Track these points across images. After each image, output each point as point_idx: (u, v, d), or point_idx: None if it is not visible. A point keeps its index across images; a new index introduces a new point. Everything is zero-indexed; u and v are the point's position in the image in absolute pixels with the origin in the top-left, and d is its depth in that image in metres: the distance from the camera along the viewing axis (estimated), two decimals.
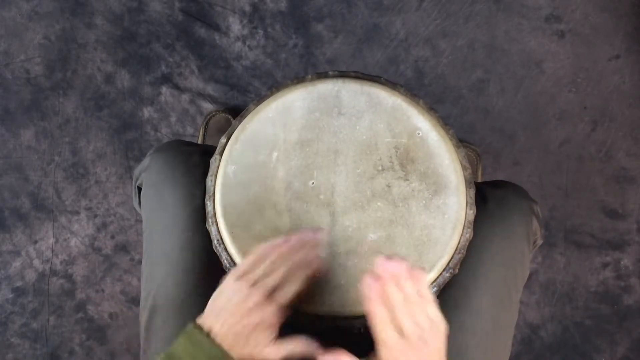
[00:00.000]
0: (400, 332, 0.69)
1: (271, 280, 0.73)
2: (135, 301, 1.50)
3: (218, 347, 0.71)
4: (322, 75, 0.91)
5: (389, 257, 0.73)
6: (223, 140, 0.89)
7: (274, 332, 0.73)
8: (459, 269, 0.85)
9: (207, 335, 0.71)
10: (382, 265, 0.73)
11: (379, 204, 0.85)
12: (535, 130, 1.47)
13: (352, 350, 0.89)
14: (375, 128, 0.88)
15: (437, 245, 0.84)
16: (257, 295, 0.72)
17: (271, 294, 0.73)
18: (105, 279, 1.51)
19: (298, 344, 0.74)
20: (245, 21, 1.48)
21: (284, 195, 0.86)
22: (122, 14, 1.49)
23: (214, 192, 0.87)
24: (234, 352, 0.71)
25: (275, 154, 0.87)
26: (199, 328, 0.72)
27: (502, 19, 1.46)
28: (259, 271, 0.74)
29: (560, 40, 1.46)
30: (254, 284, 0.73)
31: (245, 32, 1.48)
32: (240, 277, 0.74)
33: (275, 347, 0.73)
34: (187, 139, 1.43)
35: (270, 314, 0.72)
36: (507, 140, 1.47)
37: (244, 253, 0.84)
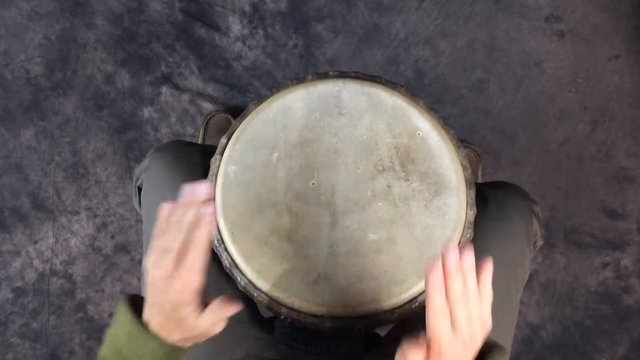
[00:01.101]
0: (454, 325, 0.65)
1: (165, 262, 0.66)
2: None
3: (161, 342, 0.68)
4: (322, 76, 0.91)
5: (462, 246, 0.69)
6: (223, 140, 0.89)
7: (196, 305, 0.68)
8: None
9: (146, 330, 0.68)
10: (452, 254, 0.66)
11: (379, 204, 0.85)
12: (535, 130, 1.47)
13: (352, 351, 0.90)
14: (376, 128, 0.88)
15: (438, 245, 0.84)
16: (161, 277, 0.66)
17: (178, 263, 0.66)
18: (105, 279, 1.51)
19: (221, 304, 0.70)
20: (245, 21, 1.48)
21: (285, 196, 0.86)
22: (122, 14, 1.49)
23: (214, 192, 0.87)
24: (174, 337, 0.69)
25: (275, 154, 0.87)
26: (138, 322, 0.69)
27: (502, 19, 1.46)
28: (158, 245, 0.68)
29: (560, 40, 1.46)
30: (155, 266, 0.67)
31: (245, 32, 1.48)
32: (147, 265, 0.68)
33: (204, 317, 0.69)
34: (187, 139, 1.43)
35: (180, 288, 0.66)
36: (507, 140, 1.47)
37: (244, 253, 0.84)
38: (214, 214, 0.68)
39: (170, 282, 0.66)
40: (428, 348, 0.66)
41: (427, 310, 0.66)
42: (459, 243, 0.84)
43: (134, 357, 0.68)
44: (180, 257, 0.66)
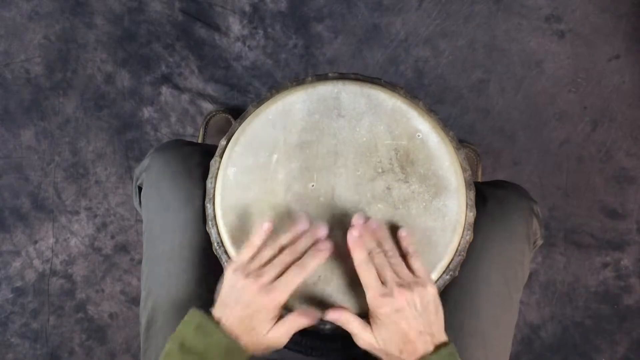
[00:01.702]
0: (380, 276, 0.76)
1: (266, 273, 0.76)
2: (135, 301, 1.50)
3: (228, 337, 0.74)
4: (322, 77, 0.91)
5: (365, 216, 0.81)
6: (223, 142, 0.89)
7: (275, 316, 0.76)
8: (459, 271, 0.85)
9: (217, 324, 0.75)
10: (357, 219, 0.80)
11: (379, 206, 0.85)
12: (535, 130, 1.47)
13: (352, 352, 0.90)
14: (375, 130, 0.87)
15: (437, 247, 0.84)
16: (253, 286, 0.74)
17: (270, 283, 0.75)
18: (105, 279, 1.51)
19: (297, 319, 0.77)
20: (245, 21, 1.48)
21: (284, 198, 0.86)
22: (122, 14, 1.49)
23: (214, 195, 0.87)
24: (241, 340, 0.74)
25: (275, 156, 0.87)
26: (209, 318, 0.75)
27: (502, 19, 1.46)
28: (255, 263, 0.77)
29: (560, 40, 1.46)
30: (249, 275, 0.76)
31: (245, 32, 1.48)
32: (236, 269, 0.77)
33: (277, 327, 0.76)
34: (187, 139, 1.43)
35: (268, 303, 0.74)
36: (507, 140, 1.47)
37: None
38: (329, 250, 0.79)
39: (264, 292, 0.74)
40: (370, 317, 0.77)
41: (355, 267, 0.77)
42: (459, 245, 0.84)
43: (199, 346, 0.74)
44: (269, 281, 0.75)
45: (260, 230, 0.79)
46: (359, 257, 0.77)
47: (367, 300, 0.76)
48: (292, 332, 0.78)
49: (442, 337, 0.76)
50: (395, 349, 0.74)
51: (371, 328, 0.76)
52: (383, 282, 0.75)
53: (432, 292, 0.76)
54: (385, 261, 0.77)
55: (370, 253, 0.77)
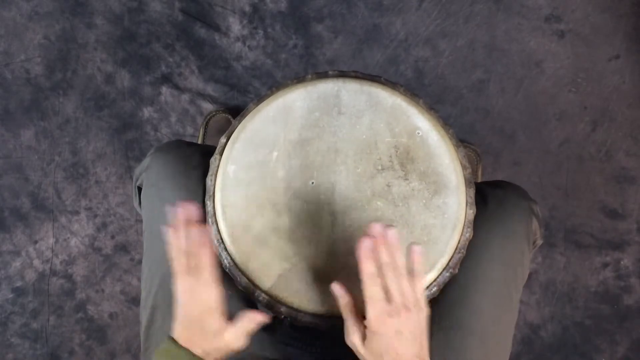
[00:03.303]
0: (386, 292, 0.74)
1: (176, 260, 0.77)
2: (135, 301, 1.50)
3: (188, 351, 0.75)
4: (322, 75, 0.91)
5: (387, 225, 0.77)
6: (223, 139, 0.89)
7: (220, 312, 0.77)
8: (458, 269, 0.85)
9: (178, 345, 0.75)
10: (376, 228, 0.76)
11: (379, 203, 0.85)
12: (535, 130, 1.47)
13: (352, 350, 0.90)
14: (375, 127, 0.88)
15: (437, 244, 0.84)
16: (181, 285, 0.76)
17: (196, 278, 0.76)
18: (105, 279, 1.51)
19: (249, 319, 0.78)
20: (245, 21, 1.48)
21: (284, 195, 0.86)
22: (122, 14, 1.49)
23: (213, 192, 0.87)
24: (200, 350, 0.75)
25: (275, 154, 0.87)
26: (173, 342, 0.76)
27: (502, 19, 1.46)
28: (177, 267, 0.78)
29: (560, 40, 1.46)
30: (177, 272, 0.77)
31: (245, 32, 1.48)
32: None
33: (231, 329, 0.77)
34: (187, 139, 1.43)
35: (204, 296, 0.76)
36: (507, 140, 1.47)
37: (244, 253, 0.84)
38: (210, 232, 0.79)
39: (193, 296, 0.75)
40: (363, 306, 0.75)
41: (362, 277, 0.75)
42: (459, 242, 0.84)
43: None
44: (197, 274, 0.76)
45: (167, 235, 0.80)
46: (369, 269, 0.75)
47: (367, 315, 0.74)
48: (248, 331, 0.78)
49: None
50: None
51: (363, 336, 0.76)
52: (388, 300, 0.74)
53: (425, 319, 0.76)
54: (395, 278, 0.75)
55: (381, 267, 0.75)
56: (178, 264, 0.77)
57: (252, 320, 0.78)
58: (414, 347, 0.74)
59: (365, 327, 0.75)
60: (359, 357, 0.77)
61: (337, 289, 0.78)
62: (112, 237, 1.51)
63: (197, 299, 0.75)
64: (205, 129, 1.44)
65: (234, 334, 0.77)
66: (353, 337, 0.76)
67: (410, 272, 0.76)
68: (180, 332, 0.76)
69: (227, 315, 0.77)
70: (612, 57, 1.46)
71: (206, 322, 0.76)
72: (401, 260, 0.76)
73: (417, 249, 0.77)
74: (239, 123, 0.89)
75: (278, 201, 0.85)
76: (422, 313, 0.75)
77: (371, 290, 0.75)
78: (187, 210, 0.78)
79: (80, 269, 1.51)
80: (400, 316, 0.73)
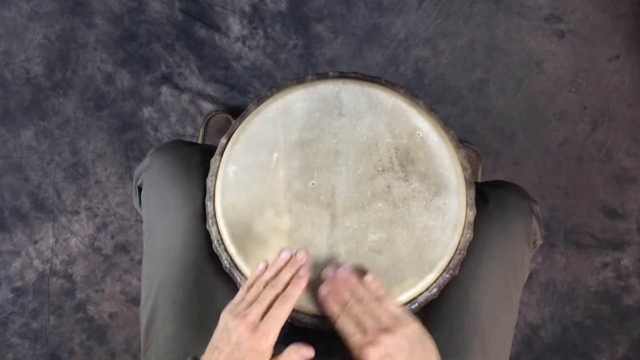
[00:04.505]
0: (360, 326, 0.74)
1: (253, 311, 0.74)
2: (135, 301, 1.50)
3: None
4: (322, 76, 0.91)
5: (336, 267, 0.81)
6: (223, 140, 0.89)
7: (266, 357, 0.73)
8: (459, 270, 0.85)
9: None
10: (328, 272, 0.80)
11: (379, 204, 0.85)
12: (535, 130, 1.47)
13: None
14: (376, 129, 0.88)
15: (438, 246, 0.84)
16: (241, 325, 0.73)
17: (258, 321, 0.73)
18: (105, 279, 1.51)
19: (295, 351, 0.75)
20: (245, 22, 1.48)
21: (284, 196, 0.86)
22: (122, 14, 1.49)
23: (214, 193, 0.87)
24: None
25: (275, 155, 0.87)
26: None
27: (502, 19, 1.46)
28: (243, 304, 0.75)
29: (560, 40, 1.46)
30: (238, 315, 0.74)
31: (245, 32, 1.48)
32: (229, 311, 0.75)
33: None
34: (187, 139, 1.43)
35: (256, 343, 0.72)
36: (507, 140, 1.47)
37: (244, 254, 0.84)
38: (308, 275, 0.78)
39: (251, 330, 0.72)
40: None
41: (333, 323, 0.76)
42: (459, 244, 0.84)
43: None
44: (267, 310, 0.74)
45: (255, 270, 0.79)
46: (333, 312, 0.76)
47: (352, 352, 0.74)
48: None
49: None
50: None
51: None
52: (363, 331, 0.73)
53: (415, 328, 0.74)
54: (361, 309, 0.75)
55: (345, 304, 0.76)
56: (253, 293, 0.76)
57: (297, 354, 0.75)
58: None
59: None
60: None
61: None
62: (112, 237, 1.51)
63: (257, 334, 0.72)
64: (205, 129, 1.44)
65: None
66: None
67: (377, 299, 0.76)
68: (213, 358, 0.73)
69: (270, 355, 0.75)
70: (612, 57, 1.46)
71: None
72: (363, 291, 0.77)
73: (369, 278, 0.79)
74: (239, 124, 0.89)
75: (278, 202, 0.85)
76: (407, 327, 0.74)
77: (344, 329, 0.75)
78: (297, 255, 0.80)
79: (80, 269, 1.51)
80: (381, 341, 0.72)
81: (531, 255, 0.96)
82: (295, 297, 0.76)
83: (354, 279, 0.79)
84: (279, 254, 0.79)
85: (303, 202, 0.85)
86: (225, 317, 0.74)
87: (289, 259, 0.79)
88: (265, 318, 0.73)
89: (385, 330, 0.73)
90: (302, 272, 0.77)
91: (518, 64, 1.46)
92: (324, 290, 0.78)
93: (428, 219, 0.84)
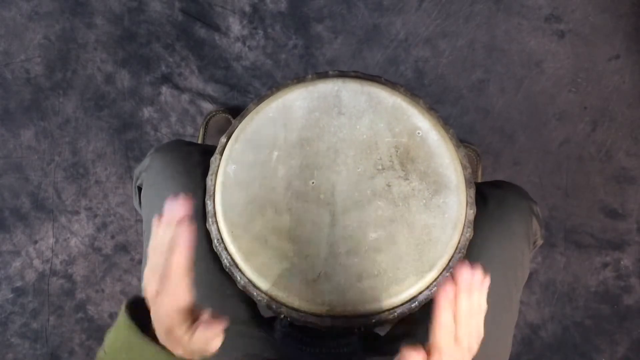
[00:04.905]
0: (457, 337, 0.67)
1: (154, 274, 0.66)
2: None
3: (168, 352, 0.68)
4: (322, 75, 0.91)
5: (471, 264, 0.69)
6: (223, 139, 0.89)
7: (188, 321, 0.67)
8: None
9: (145, 338, 0.68)
10: (462, 272, 0.68)
11: (379, 203, 0.85)
12: (535, 130, 1.47)
13: (352, 350, 0.90)
14: (376, 128, 0.88)
15: (438, 244, 0.84)
16: (149, 290, 0.66)
17: (162, 284, 0.66)
18: (105, 279, 1.51)
19: (208, 323, 0.68)
20: (245, 22, 1.48)
21: (284, 195, 0.86)
22: (122, 14, 1.49)
23: (214, 192, 0.87)
24: (174, 351, 0.68)
25: (275, 154, 0.87)
26: (137, 330, 0.68)
27: (502, 19, 1.46)
28: (148, 264, 0.68)
29: (560, 40, 1.46)
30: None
31: (245, 32, 1.48)
32: None
33: (196, 335, 0.67)
34: (187, 139, 1.43)
35: (168, 304, 0.65)
36: (507, 140, 1.47)
37: (244, 252, 0.84)
38: (190, 232, 0.65)
39: (159, 302, 0.65)
40: (428, 354, 0.66)
41: (434, 323, 0.66)
42: (459, 242, 0.84)
43: None
44: (164, 278, 0.65)
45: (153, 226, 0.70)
46: (445, 321, 0.67)
47: (429, 352, 0.67)
48: (216, 335, 0.69)
49: None
50: None
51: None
52: (455, 340, 0.67)
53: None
54: (467, 323, 0.67)
55: (457, 313, 0.67)
56: (151, 260, 0.67)
57: (212, 325, 0.68)
58: None
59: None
60: None
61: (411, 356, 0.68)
62: (112, 237, 1.51)
63: (164, 306, 0.65)
64: (205, 129, 1.44)
65: (203, 340, 0.68)
66: None
67: (480, 305, 0.69)
68: (156, 330, 0.67)
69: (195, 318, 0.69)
70: (612, 57, 1.46)
71: (176, 330, 0.67)
72: (477, 300, 0.68)
73: (487, 281, 0.70)
74: (239, 123, 0.89)
75: (278, 201, 0.85)
76: (479, 344, 0.69)
77: (443, 339, 0.66)
78: (172, 205, 0.67)
79: (80, 269, 1.51)
80: (462, 357, 0.67)
81: (531, 255, 0.96)
82: (181, 263, 0.65)
83: (478, 283, 0.69)
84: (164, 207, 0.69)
85: (303, 201, 0.85)
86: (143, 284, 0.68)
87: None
88: (163, 289, 0.65)
89: (471, 350, 0.68)
90: (179, 232, 0.65)
91: (518, 64, 1.46)
92: (449, 293, 0.66)
93: (428, 217, 0.84)
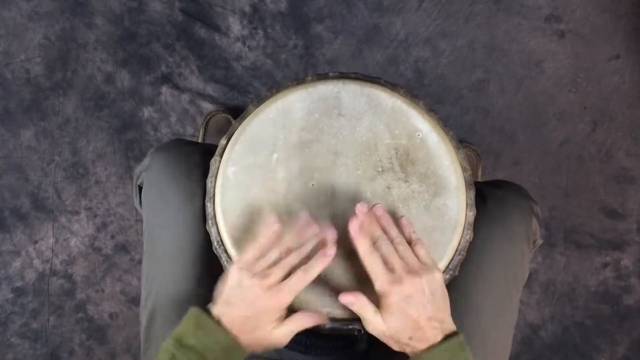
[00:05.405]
0: (388, 266, 0.75)
1: (273, 275, 0.75)
2: (135, 301, 1.50)
3: (227, 334, 0.74)
4: (322, 77, 0.91)
5: (369, 204, 0.80)
6: (223, 141, 0.89)
7: (279, 317, 0.76)
8: (459, 270, 0.85)
9: (217, 322, 0.74)
10: (362, 207, 0.78)
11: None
12: (535, 130, 1.47)
13: (351, 352, 0.90)
14: (375, 129, 0.88)
15: (438, 246, 0.84)
16: (259, 286, 0.74)
17: (276, 285, 0.75)
18: (105, 279, 1.51)
19: (303, 319, 0.77)
20: (245, 22, 1.48)
21: (284, 197, 0.86)
22: (122, 14, 1.49)
23: (214, 194, 0.87)
24: (241, 339, 0.75)
25: (275, 155, 0.87)
26: (209, 316, 0.75)
27: (502, 19, 1.46)
28: (261, 264, 0.76)
29: (560, 40, 1.46)
30: (256, 275, 0.75)
31: (245, 32, 1.48)
32: (242, 268, 0.76)
33: (281, 328, 0.76)
34: (187, 139, 1.43)
35: (273, 305, 0.75)
36: (507, 140, 1.47)
37: None
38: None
39: (270, 294, 0.74)
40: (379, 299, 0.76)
41: (360, 256, 0.76)
42: (459, 244, 0.84)
43: (198, 344, 0.73)
44: (287, 275, 0.75)
45: (268, 230, 0.78)
46: (363, 247, 0.76)
47: (375, 289, 0.75)
48: (296, 332, 0.77)
49: (451, 325, 0.76)
50: (405, 336, 0.75)
51: (381, 319, 0.76)
52: (390, 270, 0.75)
53: (439, 278, 0.76)
54: (391, 248, 0.76)
55: (375, 242, 0.77)
56: (274, 253, 0.77)
57: (304, 322, 0.77)
58: (427, 309, 0.74)
59: (380, 308, 0.76)
60: (387, 341, 0.77)
61: (345, 298, 0.77)
62: (112, 237, 1.51)
63: (274, 298, 0.74)
64: (205, 129, 1.44)
65: (281, 334, 0.77)
66: (374, 320, 0.76)
67: (409, 241, 0.78)
68: (224, 313, 0.75)
69: (283, 315, 0.77)
70: (612, 57, 1.46)
71: (263, 322, 0.75)
72: (395, 231, 0.78)
73: (404, 220, 0.81)
74: (239, 125, 0.89)
75: (278, 203, 0.85)
76: (432, 274, 0.75)
77: (371, 265, 0.76)
78: (326, 230, 0.79)
79: (80, 269, 1.51)
80: (405, 281, 0.74)
81: (531, 255, 0.96)
82: (317, 272, 0.76)
83: (388, 218, 0.80)
84: (301, 223, 0.79)
85: (303, 202, 0.85)
86: (240, 275, 0.75)
87: (315, 232, 0.79)
88: (282, 285, 0.75)
89: (412, 272, 0.74)
90: (330, 252, 0.77)
91: (518, 64, 1.46)
92: (355, 224, 0.77)
93: (428, 219, 0.84)
